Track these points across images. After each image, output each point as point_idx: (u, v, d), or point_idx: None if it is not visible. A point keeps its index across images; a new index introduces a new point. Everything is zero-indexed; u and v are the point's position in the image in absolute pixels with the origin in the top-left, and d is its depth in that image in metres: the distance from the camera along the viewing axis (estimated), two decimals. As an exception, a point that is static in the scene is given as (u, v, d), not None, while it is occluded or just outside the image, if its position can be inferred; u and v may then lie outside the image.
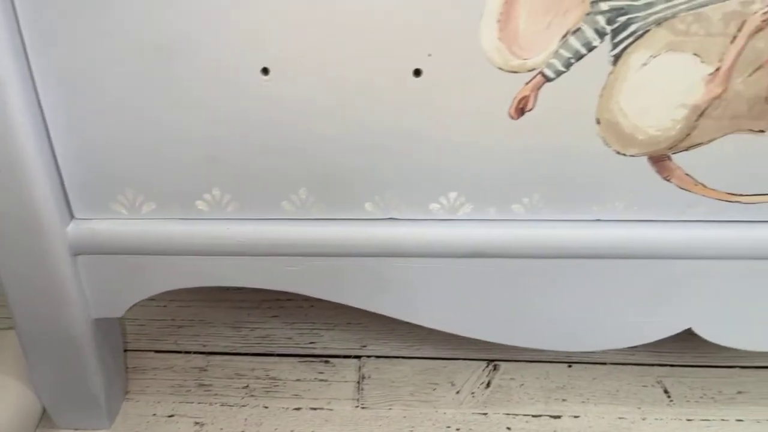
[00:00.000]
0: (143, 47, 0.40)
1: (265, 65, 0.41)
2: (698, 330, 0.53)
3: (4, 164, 0.42)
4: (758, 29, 0.41)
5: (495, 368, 0.64)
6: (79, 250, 0.47)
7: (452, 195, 0.47)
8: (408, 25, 0.40)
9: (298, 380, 0.62)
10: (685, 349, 0.66)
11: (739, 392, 0.62)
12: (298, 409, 0.59)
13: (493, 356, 0.65)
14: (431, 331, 0.59)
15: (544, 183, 0.47)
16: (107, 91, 0.42)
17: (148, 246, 0.47)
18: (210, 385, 0.62)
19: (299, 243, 0.47)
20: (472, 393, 0.61)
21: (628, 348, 0.67)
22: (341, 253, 0.48)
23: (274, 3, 0.39)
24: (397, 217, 0.48)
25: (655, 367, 0.65)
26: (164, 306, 0.71)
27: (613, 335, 0.53)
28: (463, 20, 0.40)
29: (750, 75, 0.43)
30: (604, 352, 0.66)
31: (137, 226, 0.47)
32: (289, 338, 0.67)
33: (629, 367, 0.65)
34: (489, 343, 0.59)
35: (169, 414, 0.58)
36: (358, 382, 0.62)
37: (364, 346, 0.67)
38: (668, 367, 0.65)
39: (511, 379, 0.63)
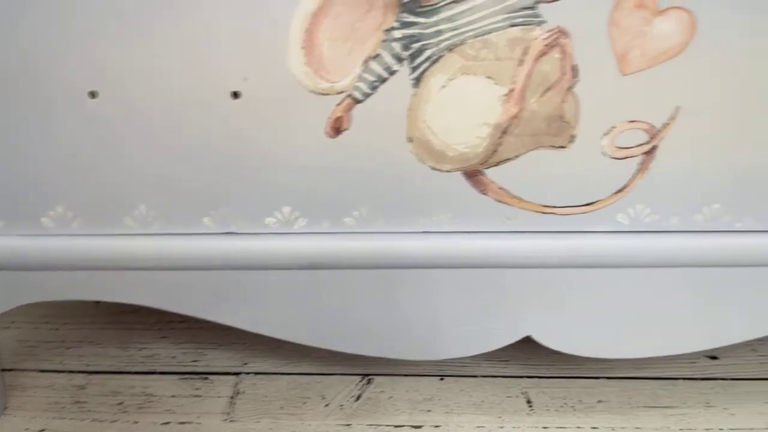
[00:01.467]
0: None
1: (93, 89, 0.45)
2: (537, 337, 0.56)
3: None
4: (542, 53, 0.45)
5: (369, 382, 0.66)
6: (-68, 266, 0.50)
7: (286, 209, 0.50)
8: (224, 50, 0.44)
9: (173, 396, 0.64)
10: (555, 362, 0.69)
11: (599, 401, 0.64)
12: (167, 423, 0.61)
13: (369, 371, 0.68)
14: (313, 349, 0.62)
15: (371, 197, 0.50)
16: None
17: (-2, 261, 0.50)
18: (85, 402, 0.63)
19: (141, 257, 0.50)
20: (341, 406, 0.63)
21: (501, 361, 0.70)
22: (183, 266, 0.51)
23: (100, 28, 0.43)
24: (236, 231, 0.51)
25: (523, 379, 0.67)
26: (56, 329, 0.73)
27: (456, 344, 0.56)
28: (271, 47, 0.44)
29: (542, 95, 0.47)
30: (477, 365, 0.69)
31: (-13, 242, 0.50)
32: (173, 357, 0.69)
33: (499, 379, 0.67)
34: (367, 358, 0.61)
35: (41, 429, 0.60)
36: (232, 398, 0.64)
37: (246, 364, 0.69)
38: (536, 379, 0.67)
39: (382, 392, 0.65)
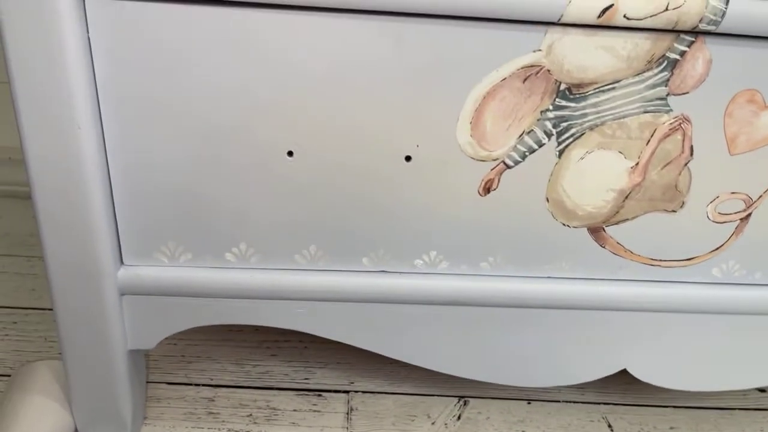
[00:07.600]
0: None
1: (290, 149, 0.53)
2: (632, 370, 0.64)
3: (77, 217, 0.52)
4: (666, 135, 0.54)
5: (465, 403, 0.74)
6: (125, 291, 0.57)
7: (432, 253, 0.58)
8: (396, 121, 0.52)
9: (294, 410, 0.71)
10: (628, 391, 0.77)
11: (671, 428, 0.73)
12: (295, 434, 0.68)
13: (464, 393, 0.76)
14: (411, 371, 0.69)
15: (505, 246, 0.58)
16: (158, 164, 0.53)
17: (183, 289, 0.57)
18: (218, 413, 0.70)
19: (309, 290, 0.58)
20: (446, 424, 0.71)
21: (578, 388, 0.78)
22: (341, 298, 0.59)
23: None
24: (388, 270, 0.59)
25: (601, 405, 0.75)
26: (175, 344, 0.80)
27: (562, 373, 0.64)
28: (444, 120, 0.52)
29: (662, 168, 0.55)
30: (557, 391, 0.77)
31: (175, 272, 0.57)
32: (286, 374, 0.77)
33: (579, 404, 0.75)
34: (460, 381, 0.69)
35: (183, 437, 0.67)
36: (347, 413, 0.71)
37: (352, 383, 0.76)
38: (612, 405, 0.75)
39: (479, 413, 0.73)
